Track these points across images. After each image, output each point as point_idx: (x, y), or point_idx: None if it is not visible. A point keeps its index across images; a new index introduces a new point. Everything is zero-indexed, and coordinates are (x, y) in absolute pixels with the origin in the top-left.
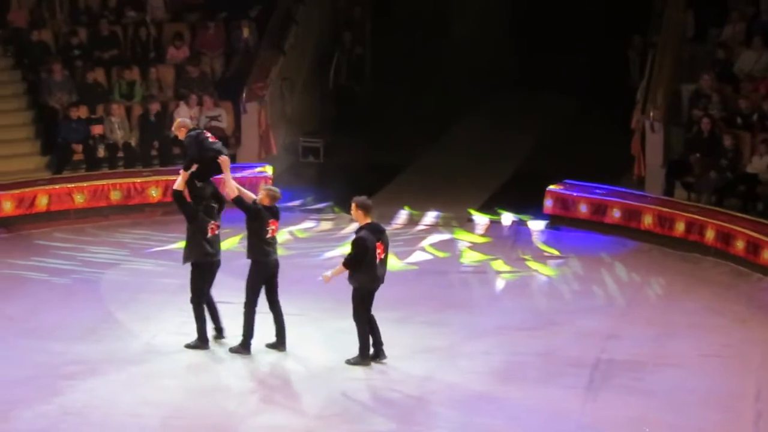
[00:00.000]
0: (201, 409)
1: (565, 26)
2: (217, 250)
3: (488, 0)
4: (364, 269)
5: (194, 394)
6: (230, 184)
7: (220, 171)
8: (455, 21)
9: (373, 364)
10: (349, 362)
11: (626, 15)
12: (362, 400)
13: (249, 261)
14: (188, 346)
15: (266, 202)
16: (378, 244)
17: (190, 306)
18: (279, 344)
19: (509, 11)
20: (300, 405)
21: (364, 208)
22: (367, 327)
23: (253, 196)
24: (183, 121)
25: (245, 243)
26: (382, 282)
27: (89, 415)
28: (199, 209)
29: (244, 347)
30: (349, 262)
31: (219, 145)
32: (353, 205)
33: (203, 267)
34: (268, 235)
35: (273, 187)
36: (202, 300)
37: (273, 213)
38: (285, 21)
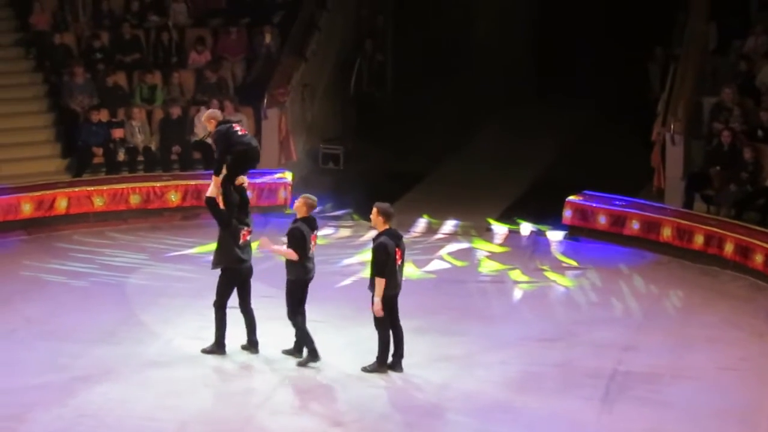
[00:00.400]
0: (218, 414)
1: (587, 37)
2: (249, 256)
3: (511, 9)
4: (386, 276)
5: (211, 398)
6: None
7: (251, 166)
8: (478, 30)
9: (390, 372)
10: (365, 369)
11: (648, 26)
12: (380, 407)
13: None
14: (204, 351)
15: (303, 211)
16: (396, 249)
17: (212, 309)
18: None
19: (533, 20)
20: (318, 411)
21: (386, 215)
22: (388, 334)
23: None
24: (213, 112)
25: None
26: (401, 288)
27: (105, 417)
28: (233, 215)
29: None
30: (379, 270)
31: (248, 137)
32: (374, 211)
33: (233, 273)
34: (310, 251)
35: (310, 195)
36: (224, 305)
37: (311, 225)
38: (308, 27)
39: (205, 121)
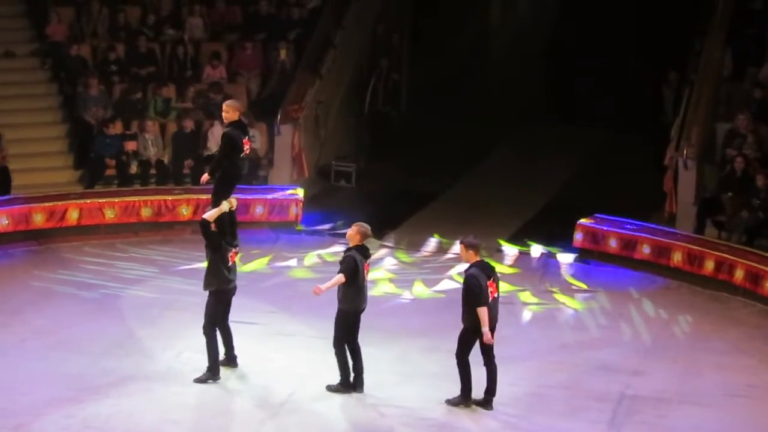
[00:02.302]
0: (223, 429)
1: (602, 59)
2: (235, 277)
3: (527, 29)
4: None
5: (217, 413)
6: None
7: (233, 189)
8: (492, 50)
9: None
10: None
11: (663, 50)
12: (386, 427)
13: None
14: (198, 381)
15: (357, 240)
16: (489, 282)
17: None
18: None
19: (547, 41)
20: (320, 430)
21: (474, 248)
22: (469, 369)
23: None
24: (236, 103)
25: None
26: (497, 321)
27: (111, 429)
28: (224, 239)
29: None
30: (476, 300)
31: (245, 163)
32: (462, 246)
33: (223, 294)
34: (364, 280)
35: (364, 224)
36: (215, 328)
37: (364, 254)
38: (323, 44)
39: (225, 107)
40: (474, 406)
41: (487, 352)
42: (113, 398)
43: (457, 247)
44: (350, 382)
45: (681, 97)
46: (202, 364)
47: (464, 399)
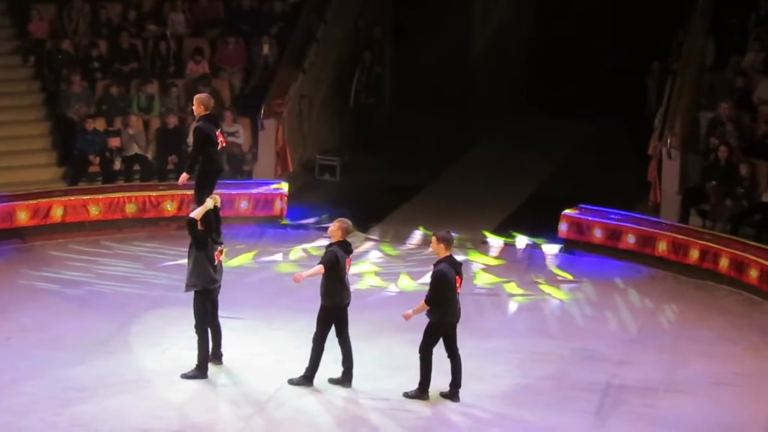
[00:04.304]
0: (210, 424)
1: (584, 51)
2: (220, 276)
3: (509, 22)
4: (446, 304)
5: (204, 409)
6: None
7: (214, 184)
8: (475, 43)
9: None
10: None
11: (646, 41)
12: (374, 420)
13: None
14: (185, 377)
15: (339, 235)
16: (457, 278)
17: (194, 334)
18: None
19: (530, 34)
20: (308, 423)
21: (446, 242)
22: (430, 363)
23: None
24: (205, 98)
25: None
26: (460, 316)
27: (99, 427)
28: (210, 236)
29: (201, 371)
30: (437, 297)
31: (222, 155)
32: (434, 239)
33: (208, 293)
34: (345, 273)
35: (346, 219)
36: (206, 326)
37: (346, 249)
38: (306, 39)
39: (195, 103)
40: (431, 400)
41: (451, 345)
42: (100, 396)
43: None
44: (312, 377)
45: (664, 87)
46: (189, 360)
47: (421, 392)
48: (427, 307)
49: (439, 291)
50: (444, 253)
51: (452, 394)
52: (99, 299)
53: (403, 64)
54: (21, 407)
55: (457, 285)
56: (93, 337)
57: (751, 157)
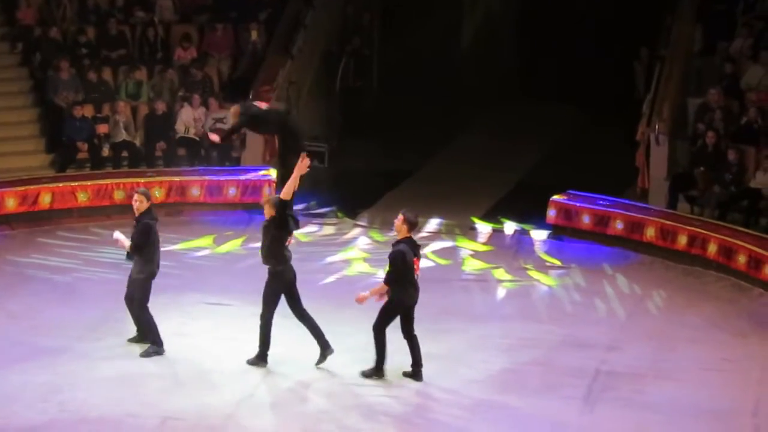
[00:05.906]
0: (199, 411)
1: (572, 37)
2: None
3: (497, 8)
4: (404, 284)
5: (193, 395)
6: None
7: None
8: (464, 29)
9: (368, 372)
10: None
11: (634, 27)
12: (360, 407)
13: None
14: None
15: (405, 231)
16: (415, 260)
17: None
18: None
19: (518, 20)
20: (297, 410)
21: (411, 224)
22: (385, 341)
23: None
24: (234, 107)
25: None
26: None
27: (87, 413)
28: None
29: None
30: (395, 277)
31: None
32: (401, 218)
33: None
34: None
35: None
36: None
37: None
38: (294, 25)
39: (232, 117)
40: (388, 378)
41: (408, 328)
42: (88, 382)
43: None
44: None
45: (652, 72)
46: (177, 346)
47: (377, 371)
48: (385, 288)
49: (397, 270)
50: (405, 234)
51: (414, 373)
52: (87, 286)
53: (392, 49)
54: (9, 393)
55: (416, 267)
56: (81, 323)
57: (739, 143)
